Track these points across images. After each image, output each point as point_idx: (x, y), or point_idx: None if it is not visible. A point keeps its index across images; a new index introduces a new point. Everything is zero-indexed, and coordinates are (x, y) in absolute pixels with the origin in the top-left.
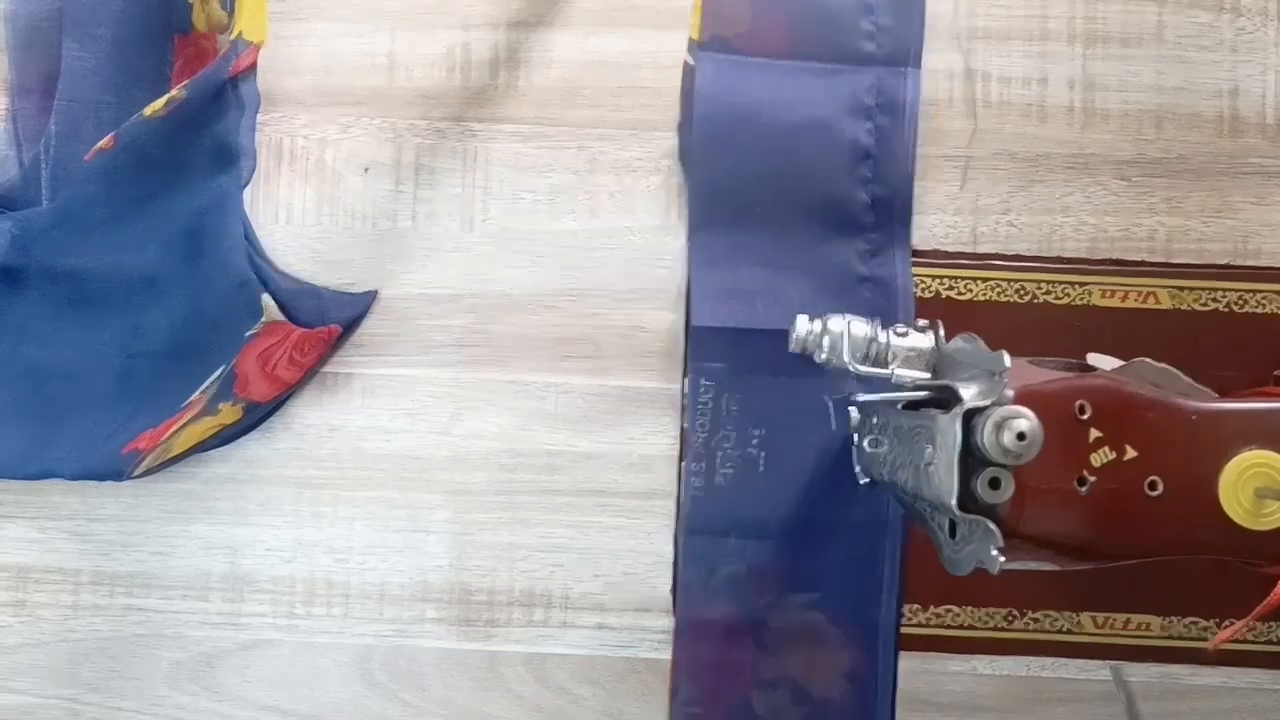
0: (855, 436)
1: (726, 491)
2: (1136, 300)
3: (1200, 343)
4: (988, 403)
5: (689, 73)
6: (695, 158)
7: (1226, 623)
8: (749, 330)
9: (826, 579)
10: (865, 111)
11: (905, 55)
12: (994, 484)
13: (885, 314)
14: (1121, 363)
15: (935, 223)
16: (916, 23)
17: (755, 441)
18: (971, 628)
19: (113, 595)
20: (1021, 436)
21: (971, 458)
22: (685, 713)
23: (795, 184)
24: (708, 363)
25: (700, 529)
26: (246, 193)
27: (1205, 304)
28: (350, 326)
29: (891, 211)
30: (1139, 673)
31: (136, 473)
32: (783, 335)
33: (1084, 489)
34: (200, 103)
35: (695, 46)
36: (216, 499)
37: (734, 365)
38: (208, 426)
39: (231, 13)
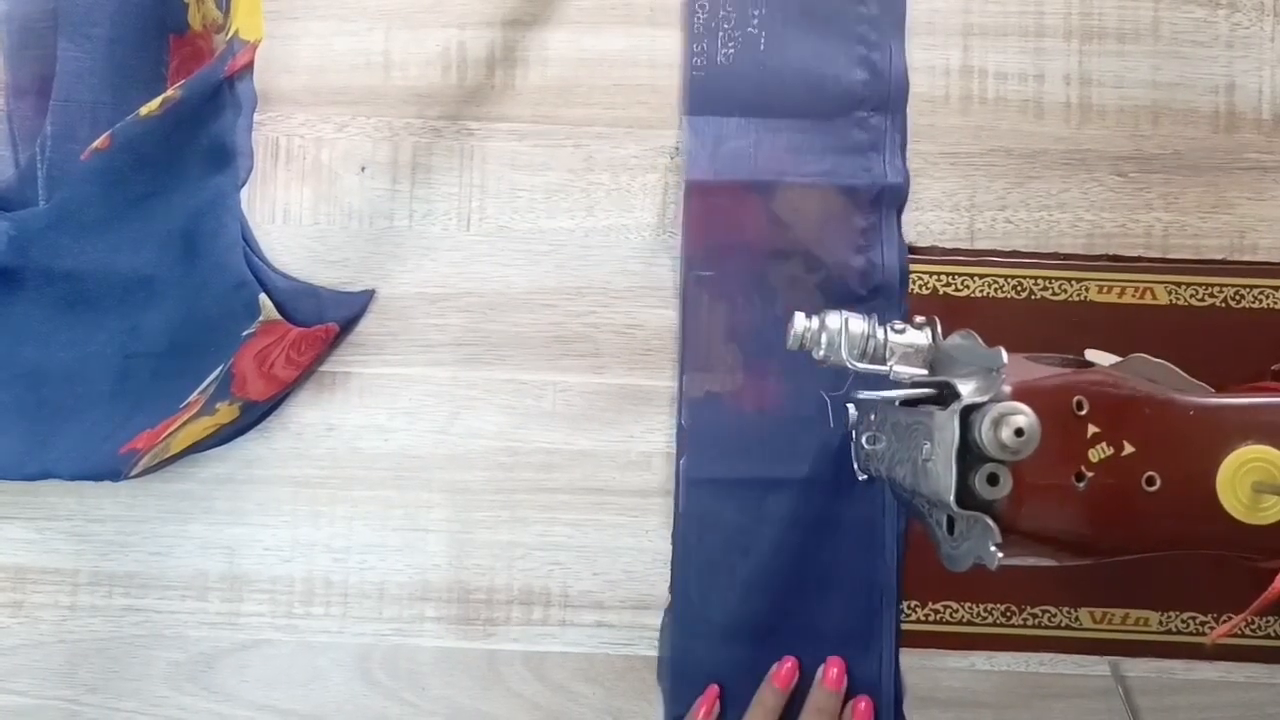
0: (854, 433)
1: (730, 71)
2: (1133, 296)
3: (1197, 338)
4: (985, 399)
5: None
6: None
7: (1224, 618)
8: None
9: (834, 159)
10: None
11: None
12: (992, 480)
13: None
14: (1119, 358)
15: (933, 219)
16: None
17: (756, 20)
18: (970, 623)
19: (111, 596)
20: (1019, 432)
21: (969, 454)
22: (698, 278)
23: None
24: None
25: (702, 110)
26: (243, 192)
27: (1202, 299)
28: (348, 325)
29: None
30: (1137, 667)
31: (134, 473)
32: None
33: (1082, 485)
34: (196, 102)
35: None
36: (214, 499)
37: None
38: (205, 426)
39: (227, 12)
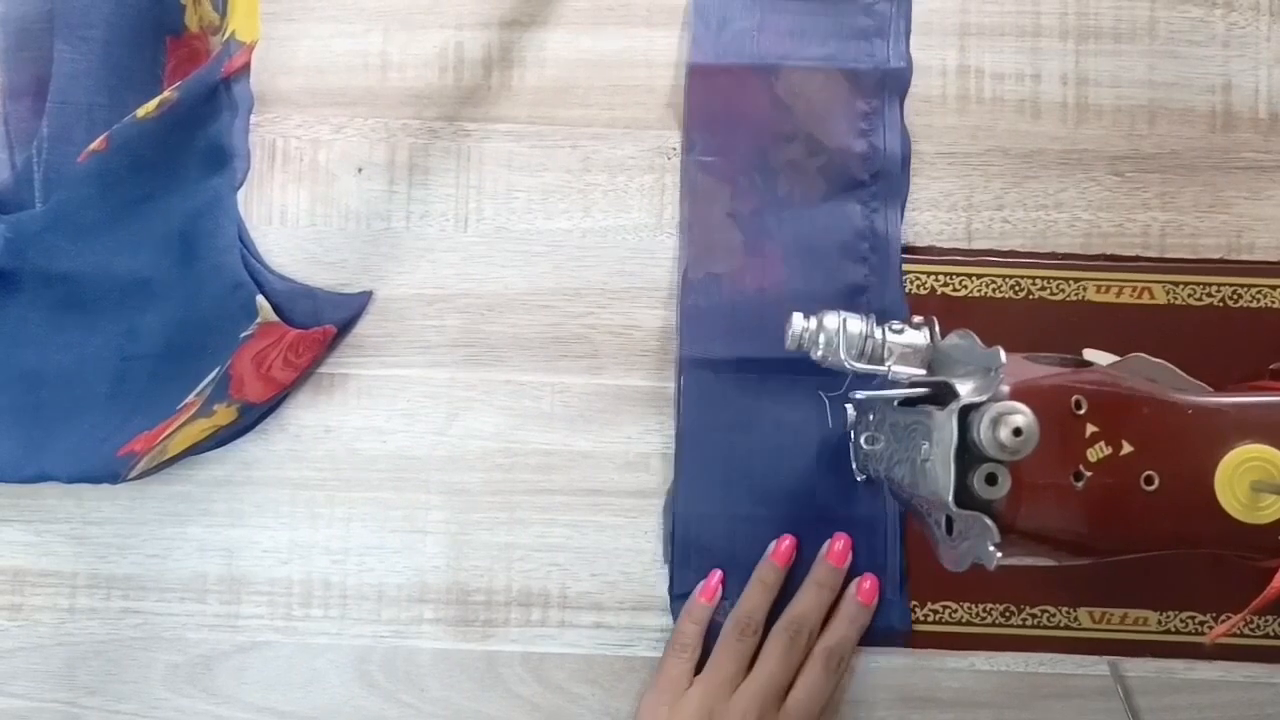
0: (852, 433)
1: None
2: (1131, 296)
3: (1195, 338)
4: (984, 398)
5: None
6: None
7: (1223, 617)
8: None
9: (838, 43)
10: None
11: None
12: (991, 480)
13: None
14: (1117, 358)
15: (930, 219)
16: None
17: None
18: (969, 624)
19: (109, 598)
20: (1018, 432)
21: (968, 454)
22: (699, 163)
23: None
24: None
25: None
26: (240, 194)
27: (1200, 299)
28: (345, 327)
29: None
30: (1136, 667)
31: (132, 475)
32: None
33: (1080, 484)
34: (193, 104)
35: None
36: (213, 501)
37: None
38: (203, 428)
39: (223, 13)
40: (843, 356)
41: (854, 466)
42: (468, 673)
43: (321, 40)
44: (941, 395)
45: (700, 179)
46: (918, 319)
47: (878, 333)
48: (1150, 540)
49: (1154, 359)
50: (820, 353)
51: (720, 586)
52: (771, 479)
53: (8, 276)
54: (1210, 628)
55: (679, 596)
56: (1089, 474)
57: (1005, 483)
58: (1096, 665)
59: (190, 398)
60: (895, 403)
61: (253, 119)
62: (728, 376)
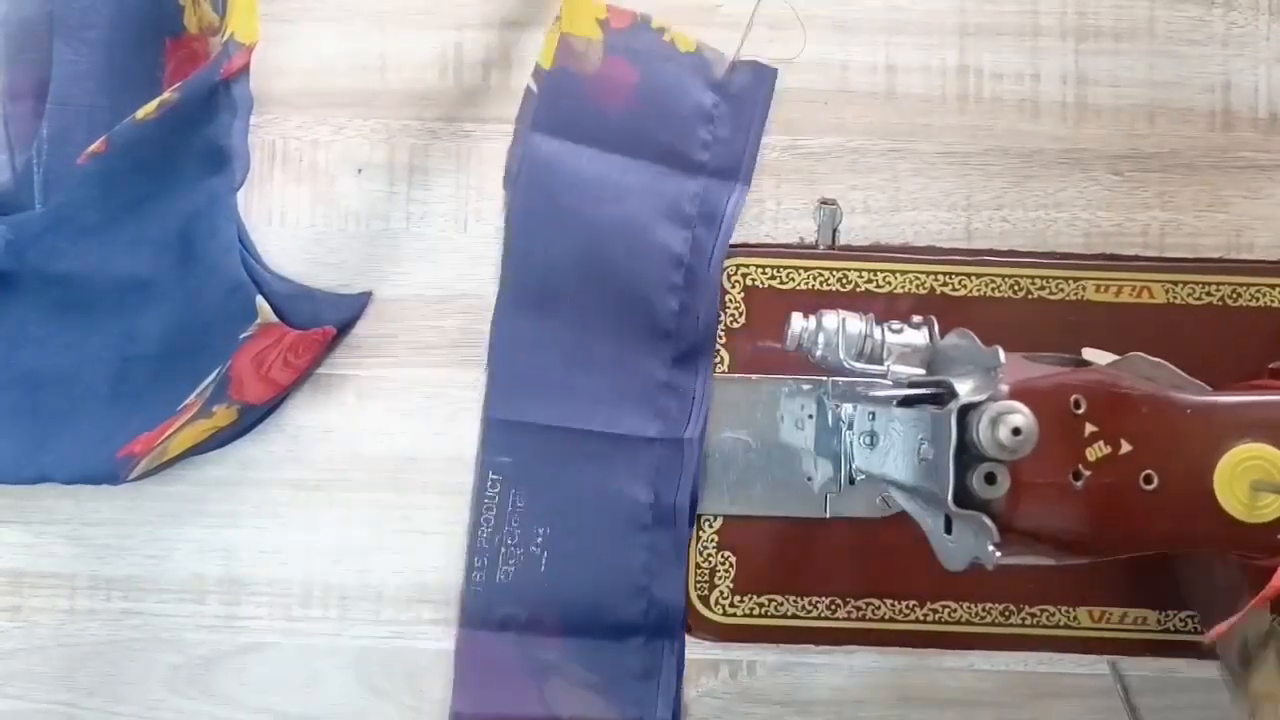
0: (849, 433)
1: (508, 589)
2: (1130, 295)
3: (1194, 337)
4: (983, 398)
5: (529, 99)
6: (512, 240)
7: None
8: (543, 426)
9: (606, 677)
10: (685, 219)
11: (736, 171)
12: (990, 479)
13: (677, 422)
14: (1116, 357)
15: (929, 219)
16: (753, 140)
17: (540, 540)
18: (969, 623)
19: (109, 599)
20: (1017, 431)
21: (967, 453)
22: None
23: (607, 280)
24: (497, 456)
25: (479, 624)
26: (240, 195)
27: (1199, 298)
28: (344, 328)
29: (696, 321)
30: (1136, 667)
31: (132, 476)
32: (571, 434)
33: (1079, 483)
34: (192, 105)
35: (541, 77)
36: (212, 501)
37: (523, 460)
38: (203, 429)
39: (222, 15)
40: (842, 356)
41: (852, 466)
42: None
43: (321, 41)
44: (940, 395)
45: None
46: (917, 318)
47: (877, 332)
48: (1149, 539)
49: (1153, 358)
50: (820, 353)
51: None
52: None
53: (8, 277)
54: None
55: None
56: (1088, 473)
57: (1004, 482)
58: (1096, 665)
59: (190, 399)
60: (894, 402)
61: (252, 120)
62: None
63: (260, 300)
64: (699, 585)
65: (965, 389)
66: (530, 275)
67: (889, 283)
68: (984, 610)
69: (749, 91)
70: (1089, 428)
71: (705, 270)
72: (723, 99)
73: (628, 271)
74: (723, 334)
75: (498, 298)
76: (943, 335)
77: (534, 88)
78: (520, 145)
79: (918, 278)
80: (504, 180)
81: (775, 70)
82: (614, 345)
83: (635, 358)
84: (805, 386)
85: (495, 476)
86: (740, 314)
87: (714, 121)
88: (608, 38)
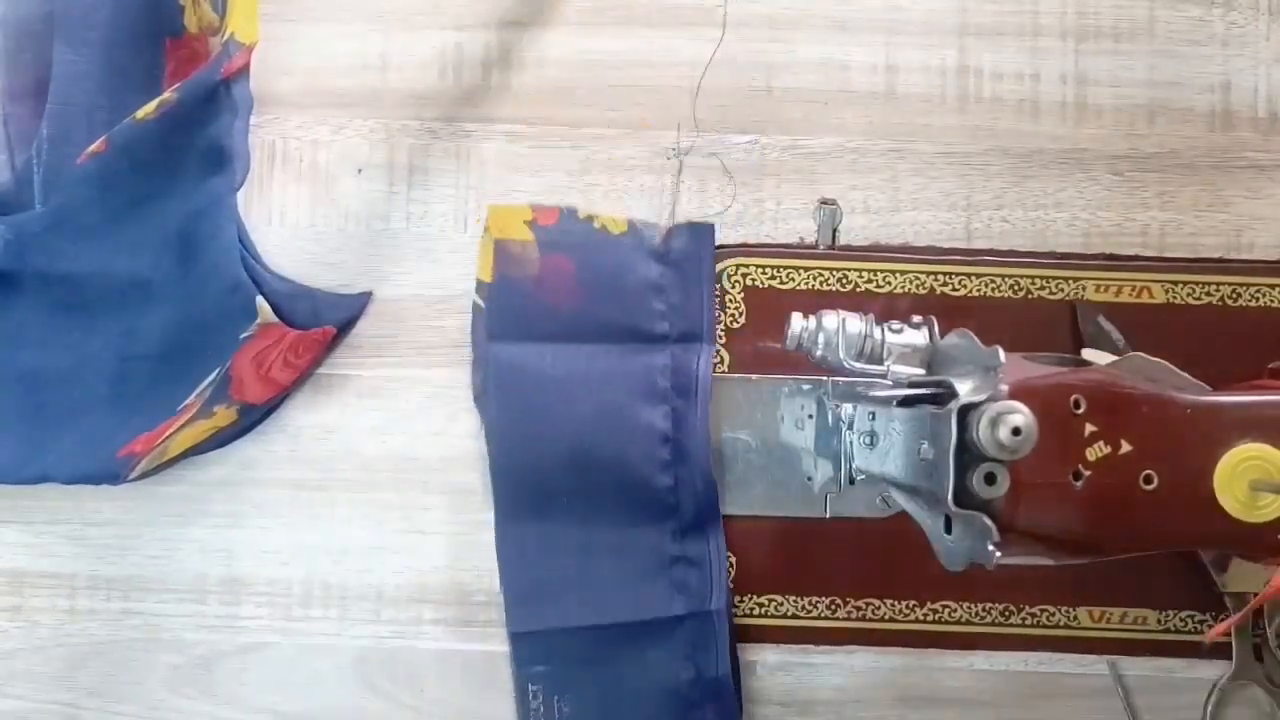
0: (850, 433)
1: None
2: (1130, 295)
3: (1194, 337)
4: (983, 398)
5: (479, 315)
6: (494, 451)
7: (1222, 616)
8: (569, 629)
9: None
10: (661, 394)
11: (698, 332)
12: (989, 479)
13: (699, 595)
14: (1116, 357)
15: (929, 219)
16: (707, 298)
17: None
18: (969, 623)
19: (109, 599)
20: (1016, 431)
21: (967, 453)
22: None
23: (598, 471)
24: (531, 667)
25: None
26: (240, 195)
27: (1199, 298)
28: (345, 328)
29: (695, 491)
30: (1136, 667)
31: (132, 476)
32: (599, 630)
33: (1079, 483)
34: (193, 105)
35: (485, 291)
36: (212, 502)
37: (557, 666)
38: (203, 429)
39: (223, 15)
40: (842, 356)
41: (852, 466)
42: (468, 673)
43: (321, 41)
44: (940, 395)
45: None
46: (917, 318)
47: (877, 332)
48: (1149, 539)
49: (1153, 358)
50: (820, 352)
51: None
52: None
53: (8, 278)
54: (1210, 627)
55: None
56: (1088, 473)
57: (1004, 482)
58: (1096, 665)
59: (190, 399)
60: (894, 402)
61: (252, 120)
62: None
63: (260, 300)
64: None
65: (965, 389)
66: (521, 483)
67: (889, 283)
68: (984, 610)
69: (691, 252)
70: (1089, 428)
71: (692, 440)
72: (667, 267)
73: (616, 458)
74: (723, 334)
75: (495, 512)
76: (942, 335)
77: (480, 302)
78: (481, 361)
79: (917, 278)
80: (474, 399)
81: (712, 225)
82: (619, 532)
83: (643, 540)
84: (805, 386)
85: (535, 687)
86: (740, 314)
87: (664, 290)
88: (539, 236)
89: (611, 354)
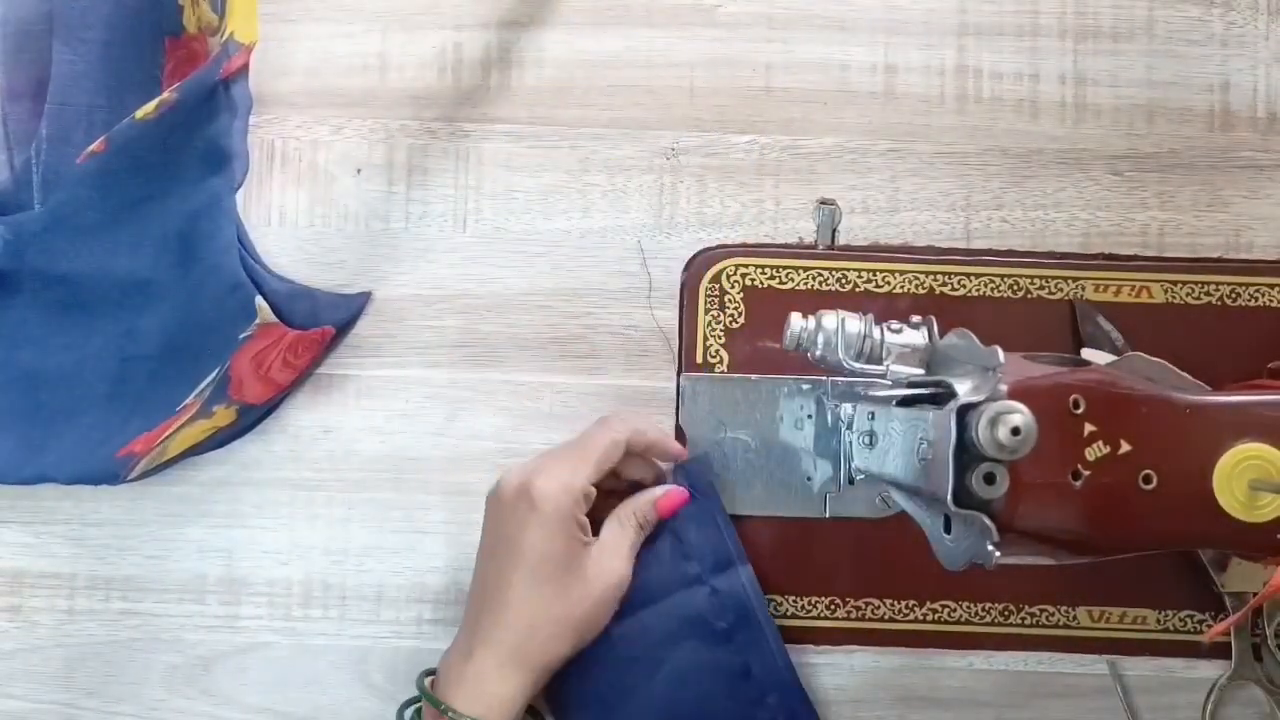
0: (849, 433)
1: None
2: (1129, 295)
3: (1193, 336)
4: (982, 398)
5: None
6: None
7: (1221, 616)
8: None
9: None
10: (722, 635)
11: (729, 560)
12: (989, 479)
13: None
14: (1115, 357)
15: (928, 219)
16: (724, 524)
17: None
18: (968, 623)
19: (108, 599)
20: (1016, 431)
21: (966, 453)
22: None
23: None
24: None
25: None
26: (239, 195)
27: (1198, 298)
28: (344, 328)
29: (792, 714)
30: (1135, 666)
31: (131, 476)
32: None
33: (1079, 483)
34: (192, 105)
35: None
36: (212, 502)
37: None
38: (202, 429)
39: (222, 15)
40: (841, 356)
41: (851, 466)
42: None
43: (320, 41)
44: (940, 395)
45: None
46: (916, 318)
47: (876, 332)
48: (1148, 539)
49: (1152, 358)
50: (819, 352)
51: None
52: None
53: (7, 278)
54: (1209, 626)
55: None
56: (1087, 473)
57: (1004, 482)
58: (1096, 664)
59: (190, 399)
60: (893, 402)
61: (251, 120)
62: None
63: (260, 300)
64: None
65: (964, 389)
66: None
67: (888, 283)
68: (984, 610)
69: (698, 498)
70: (1088, 427)
71: (774, 664)
72: (679, 525)
73: (712, 715)
74: (722, 334)
75: None
76: (942, 335)
77: None
78: None
79: (917, 278)
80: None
81: (712, 485)
82: None
83: None
84: (805, 386)
85: None
86: (740, 314)
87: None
88: None
89: (659, 614)
